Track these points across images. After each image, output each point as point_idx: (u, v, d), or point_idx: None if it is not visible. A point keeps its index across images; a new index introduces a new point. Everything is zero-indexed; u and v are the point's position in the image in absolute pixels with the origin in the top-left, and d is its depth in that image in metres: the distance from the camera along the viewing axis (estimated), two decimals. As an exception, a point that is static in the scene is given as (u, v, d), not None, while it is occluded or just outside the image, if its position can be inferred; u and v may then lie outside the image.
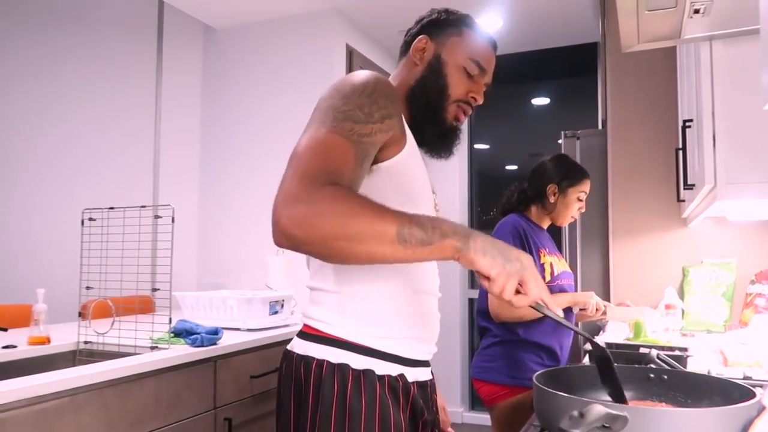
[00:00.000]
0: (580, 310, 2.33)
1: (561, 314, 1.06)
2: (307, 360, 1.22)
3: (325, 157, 1.05)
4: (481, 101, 1.37)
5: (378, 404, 1.18)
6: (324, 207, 0.98)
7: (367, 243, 0.98)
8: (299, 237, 0.98)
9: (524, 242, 2.29)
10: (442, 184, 4.86)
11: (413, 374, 1.27)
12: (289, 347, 1.30)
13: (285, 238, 0.99)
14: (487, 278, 1.01)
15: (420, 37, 1.37)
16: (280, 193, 1.01)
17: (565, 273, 2.41)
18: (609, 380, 1.06)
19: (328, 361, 1.20)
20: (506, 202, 2.53)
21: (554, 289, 2.30)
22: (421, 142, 1.34)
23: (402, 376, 1.24)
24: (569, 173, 2.40)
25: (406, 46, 1.41)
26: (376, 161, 1.17)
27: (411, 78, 1.36)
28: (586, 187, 2.41)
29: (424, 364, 1.32)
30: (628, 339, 2.14)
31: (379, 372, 1.20)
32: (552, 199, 2.39)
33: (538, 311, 1.05)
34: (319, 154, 1.05)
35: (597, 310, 2.31)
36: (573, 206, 2.40)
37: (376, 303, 1.22)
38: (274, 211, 0.99)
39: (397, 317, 1.24)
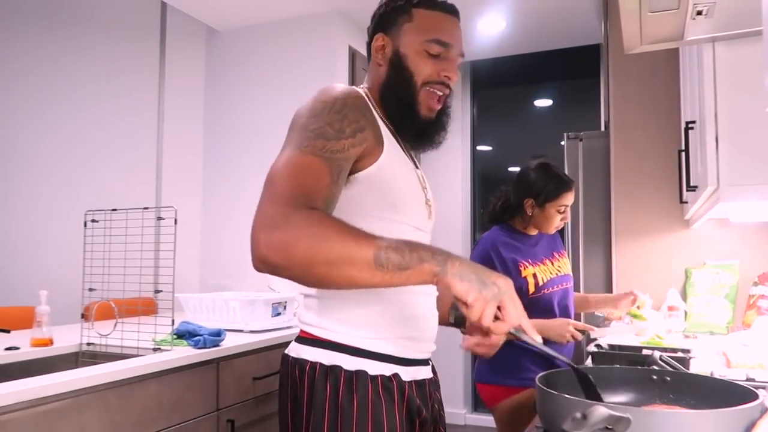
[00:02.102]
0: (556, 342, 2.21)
1: (539, 340, 1.04)
2: (301, 363, 1.24)
3: (298, 179, 1.05)
4: (455, 77, 1.29)
5: (370, 405, 1.19)
6: (300, 232, 0.98)
7: (344, 268, 0.98)
8: (277, 263, 0.98)
9: (494, 266, 2.22)
10: (444, 186, 4.87)
11: (409, 373, 1.27)
12: (286, 351, 1.32)
13: (263, 263, 1.00)
14: (465, 304, 1.00)
15: (376, 36, 1.33)
16: (256, 217, 1.02)
17: (558, 278, 2.36)
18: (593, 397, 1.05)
19: (320, 363, 1.21)
20: (492, 211, 2.47)
21: (541, 299, 2.26)
22: (406, 140, 1.34)
23: (396, 375, 1.24)
24: (547, 187, 2.30)
25: (369, 47, 1.38)
26: (353, 171, 1.18)
27: (378, 80, 1.33)
28: (566, 200, 2.32)
29: (422, 362, 1.32)
30: (639, 334, 2.13)
31: (371, 372, 1.21)
32: (529, 212, 2.33)
33: (516, 337, 1.03)
34: (292, 177, 1.05)
35: (574, 338, 2.19)
36: (553, 219, 2.32)
37: (365, 307, 1.23)
38: (252, 237, 1.00)
39: (388, 319, 1.24)
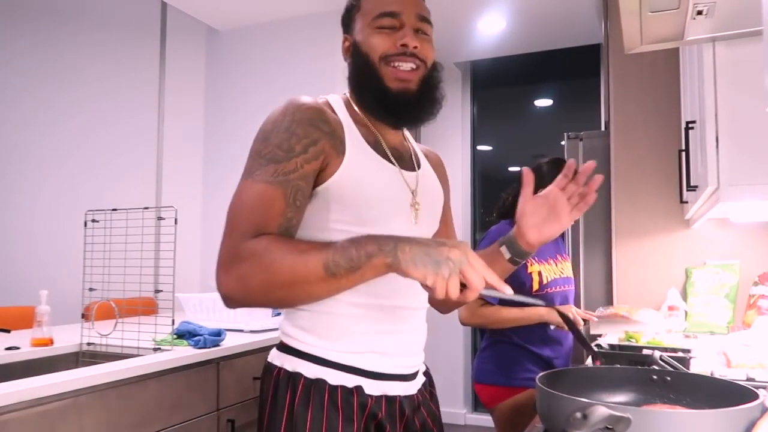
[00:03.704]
0: (558, 327, 2.27)
1: (510, 291, 1.02)
2: (270, 368, 1.25)
3: (250, 211, 1.08)
4: (412, 43, 1.19)
5: (325, 415, 1.15)
6: (249, 266, 1.03)
7: (299, 287, 1.03)
8: (238, 298, 1.05)
9: None
10: (445, 186, 4.85)
11: (377, 387, 1.21)
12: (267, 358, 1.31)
13: (227, 300, 1.07)
14: (428, 286, 0.98)
15: (343, 38, 1.33)
16: (218, 257, 1.08)
17: (561, 279, 2.37)
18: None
19: (284, 369, 1.21)
20: (501, 206, 2.50)
21: (544, 298, 2.26)
22: (382, 122, 1.26)
23: (359, 388, 1.19)
24: None
25: None
26: (315, 185, 1.16)
27: (349, 76, 1.30)
28: None
29: (397, 378, 1.25)
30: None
31: (332, 382, 1.18)
32: None
33: (488, 296, 1.03)
34: (244, 210, 1.09)
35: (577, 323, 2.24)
36: None
37: (331, 318, 1.19)
38: (216, 279, 1.07)
39: (357, 332, 1.20)
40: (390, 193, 1.24)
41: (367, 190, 1.19)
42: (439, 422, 1.37)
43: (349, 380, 1.19)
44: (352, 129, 1.22)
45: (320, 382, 1.17)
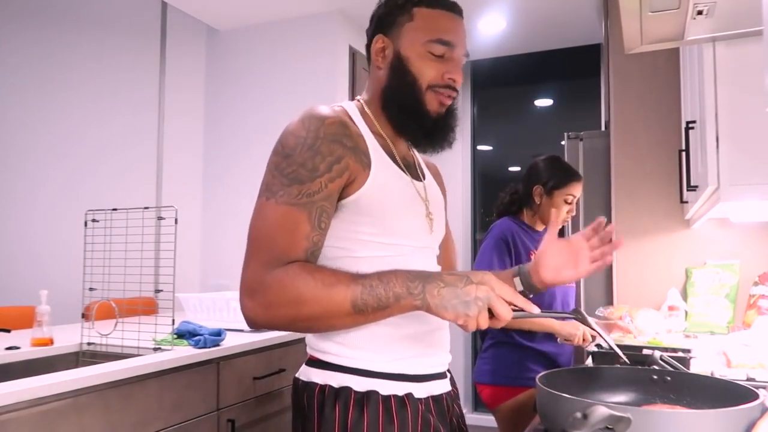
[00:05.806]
0: (565, 340, 2.29)
1: (537, 310, 1.06)
2: (310, 386, 1.20)
3: (274, 236, 1.08)
4: (459, 79, 1.22)
5: (381, 425, 1.14)
6: (275, 296, 1.05)
7: (325, 320, 1.06)
8: (263, 324, 1.08)
9: (510, 250, 2.27)
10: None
11: (424, 389, 1.22)
12: (296, 375, 1.27)
13: (251, 324, 1.10)
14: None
15: (376, 37, 1.26)
16: (241, 280, 1.09)
17: None
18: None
19: (330, 386, 1.18)
20: (500, 204, 2.52)
21: (545, 293, 2.26)
22: (412, 143, 1.30)
23: (410, 395, 1.19)
24: (556, 175, 2.36)
25: (368, 49, 1.30)
26: (340, 198, 1.15)
27: (379, 85, 1.26)
28: (574, 190, 2.36)
29: (438, 376, 1.27)
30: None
31: (383, 392, 1.16)
32: (537, 200, 2.37)
33: (517, 317, 1.06)
34: (269, 234, 1.09)
35: (584, 340, 2.25)
36: (560, 209, 2.34)
37: (372, 330, 1.18)
38: (239, 300, 1.09)
39: (396, 339, 1.19)
40: (410, 204, 1.25)
41: (393, 202, 1.20)
42: (463, 417, 1.39)
43: (400, 388, 1.19)
44: (372, 141, 1.22)
45: (371, 394, 1.16)
